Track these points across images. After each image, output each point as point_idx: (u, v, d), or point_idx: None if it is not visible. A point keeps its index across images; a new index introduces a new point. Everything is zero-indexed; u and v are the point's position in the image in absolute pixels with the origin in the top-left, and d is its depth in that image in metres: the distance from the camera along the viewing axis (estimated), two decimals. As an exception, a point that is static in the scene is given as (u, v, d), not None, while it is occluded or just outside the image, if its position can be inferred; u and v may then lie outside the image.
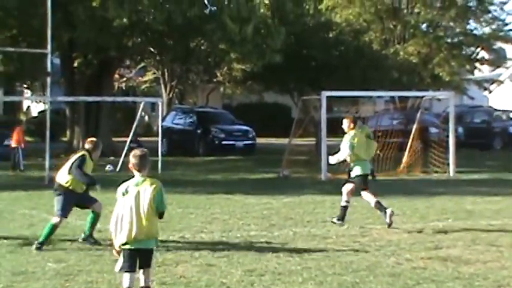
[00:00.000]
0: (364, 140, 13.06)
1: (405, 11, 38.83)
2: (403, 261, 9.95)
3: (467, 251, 10.70)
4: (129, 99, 39.93)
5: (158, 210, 7.21)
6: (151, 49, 33.24)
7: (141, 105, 27.71)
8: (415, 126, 25.63)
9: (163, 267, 9.52)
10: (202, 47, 32.48)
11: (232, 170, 25.63)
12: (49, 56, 23.08)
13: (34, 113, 51.43)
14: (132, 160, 7.31)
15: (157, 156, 24.10)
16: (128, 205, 7.17)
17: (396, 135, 26.07)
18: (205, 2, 28.71)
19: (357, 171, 12.94)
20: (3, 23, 27.81)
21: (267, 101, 47.31)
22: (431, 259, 10.07)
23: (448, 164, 23.85)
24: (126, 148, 24.65)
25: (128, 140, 25.65)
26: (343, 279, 8.85)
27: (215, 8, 28.26)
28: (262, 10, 28.91)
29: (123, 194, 7.24)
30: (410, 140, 25.28)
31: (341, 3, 37.76)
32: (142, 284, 7.33)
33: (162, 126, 27.06)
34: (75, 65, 31.48)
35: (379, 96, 39.60)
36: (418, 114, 26.24)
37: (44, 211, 14.40)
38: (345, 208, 12.99)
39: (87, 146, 11.60)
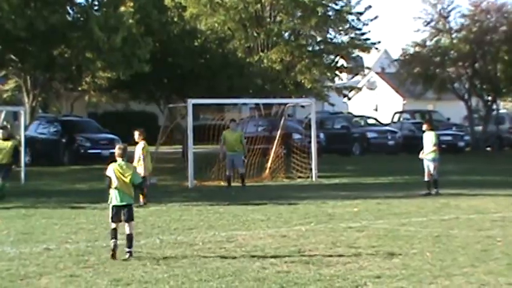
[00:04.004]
0: None
1: (268, 19, 39.62)
2: (268, 265, 10.22)
3: (328, 253, 11.12)
4: (-11, 108, 38.56)
5: (134, 183, 11.04)
6: (13, 56, 32.26)
7: (2, 114, 26.97)
8: (278, 133, 26.21)
9: (25, 280, 9.36)
10: (66, 55, 31.85)
11: (98, 179, 24.98)
12: None
13: None
14: (118, 151, 11.07)
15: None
16: (115, 178, 10.83)
17: (261, 141, 26.60)
18: (69, 9, 28.23)
19: None
20: None
21: (134, 109, 46.90)
22: (294, 262, 10.40)
23: (311, 169, 24.56)
24: None
25: None
26: (210, 285, 9.02)
27: (79, 16, 27.80)
28: (130, 20, 28.60)
29: (113, 171, 10.88)
30: (274, 146, 25.82)
31: (206, 11, 38.07)
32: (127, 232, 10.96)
33: (25, 136, 26.36)
34: None
35: (244, 104, 40.20)
36: (282, 121, 26.86)
37: None
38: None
39: None
